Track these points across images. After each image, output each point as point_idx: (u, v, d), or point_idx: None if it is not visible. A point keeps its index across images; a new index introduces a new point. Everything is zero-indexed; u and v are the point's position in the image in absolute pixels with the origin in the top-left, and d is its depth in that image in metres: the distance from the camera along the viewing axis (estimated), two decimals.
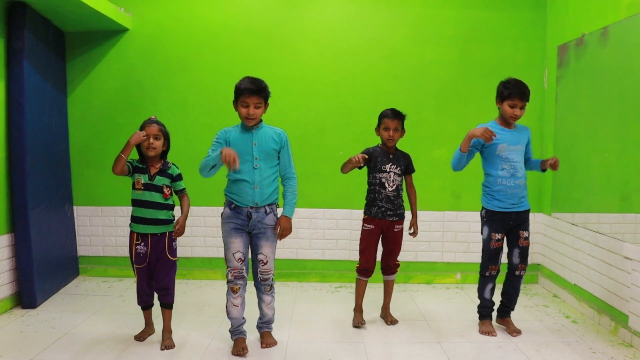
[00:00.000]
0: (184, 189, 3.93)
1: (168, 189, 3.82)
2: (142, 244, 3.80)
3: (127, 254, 5.36)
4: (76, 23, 5.08)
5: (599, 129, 4.41)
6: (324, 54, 5.39)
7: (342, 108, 5.35)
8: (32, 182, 4.62)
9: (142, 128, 3.77)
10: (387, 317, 4.43)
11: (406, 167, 4.32)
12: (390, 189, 4.21)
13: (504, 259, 4.14)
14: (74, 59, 5.41)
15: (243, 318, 3.82)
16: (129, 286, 5.25)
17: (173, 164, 3.89)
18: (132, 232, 3.85)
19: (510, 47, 5.37)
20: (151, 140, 3.73)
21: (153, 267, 3.86)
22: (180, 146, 5.31)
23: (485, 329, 4.16)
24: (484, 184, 4.13)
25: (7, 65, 4.51)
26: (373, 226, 4.25)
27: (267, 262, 3.76)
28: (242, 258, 3.71)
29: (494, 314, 4.28)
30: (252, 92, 3.60)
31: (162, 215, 3.81)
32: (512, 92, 3.93)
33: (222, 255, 5.38)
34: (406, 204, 4.35)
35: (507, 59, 5.36)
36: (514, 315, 4.26)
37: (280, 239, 3.79)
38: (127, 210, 5.41)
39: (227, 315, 3.78)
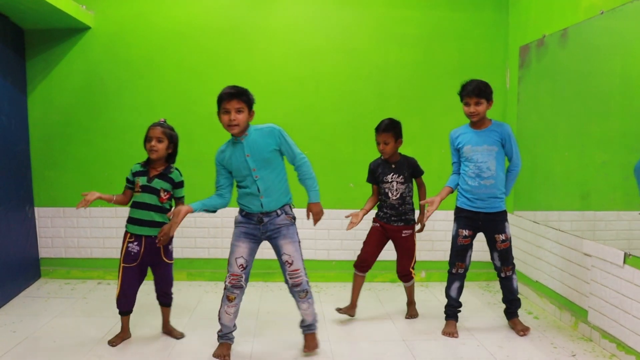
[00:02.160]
0: (183, 197, 3.90)
1: (166, 193, 3.80)
2: (136, 243, 3.79)
3: (91, 255, 5.47)
4: (36, 20, 4.99)
5: (559, 129, 4.49)
6: (288, 53, 5.39)
7: (306, 107, 5.36)
8: None
9: (146, 132, 3.79)
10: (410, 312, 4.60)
11: (412, 172, 4.40)
12: (394, 198, 4.33)
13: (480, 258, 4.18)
14: (34, 57, 5.31)
15: (234, 326, 3.73)
16: (92, 288, 5.19)
17: (177, 169, 3.87)
18: (126, 232, 3.83)
19: (473, 48, 5.44)
20: (153, 142, 3.74)
21: (145, 270, 3.88)
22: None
23: (447, 330, 4.17)
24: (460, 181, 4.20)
25: None
26: (378, 224, 4.42)
27: (292, 262, 3.60)
28: (244, 265, 3.60)
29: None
30: (231, 96, 3.42)
31: (157, 217, 3.81)
32: (461, 92, 4.06)
33: (186, 256, 5.46)
34: None
35: (469, 59, 5.42)
36: (481, 312, 4.30)
37: (315, 224, 3.73)
38: (90, 211, 5.41)
39: (219, 319, 3.68)
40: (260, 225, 3.60)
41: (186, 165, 5.20)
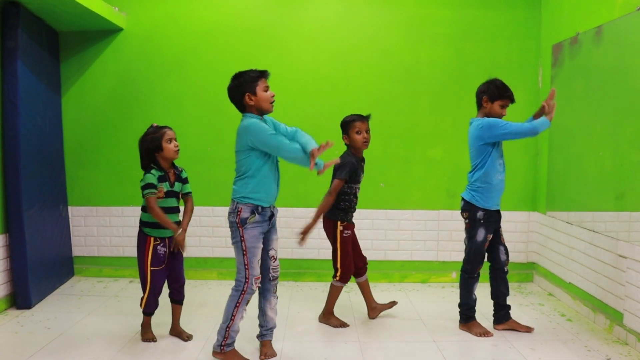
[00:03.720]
0: (191, 192, 3.96)
1: (179, 193, 3.90)
2: (162, 244, 3.82)
3: (123, 254, 5.53)
4: (70, 23, 5.06)
5: (593, 128, 4.42)
6: (319, 54, 5.39)
7: (338, 108, 5.29)
8: (27, 182, 4.60)
9: (161, 135, 3.75)
10: (385, 306, 4.49)
11: None
12: (357, 199, 4.29)
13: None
14: (68, 58, 5.39)
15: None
16: (124, 286, 5.25)
17: (182, 168, 3.96)
18: (147, 237, 3.82)
19: (505, 46, 5.38)
20: (176, 142, 3.80)
21: (170, 268, 3.90)
22: None
23: (482, 330, 4.12)
24: (480, 182, 4.01)
25: (0, 65, 4.49)
26: (350, 232, 4.26)
27: (276, 257, 3.66)
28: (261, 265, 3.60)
29: (480, 320, 4.24)
30: (268, 75, 3.48)
31: (176, 217, 3.89)
32: (504, 94, 3.96)
33: (217, 255, 5.48)
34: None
35: (501, 58, 5.36)
36: (512, 313, 4.24)
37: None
38: (122, 211, 5.49)
39: (232, 326, 3.51)
40: (270, 222, 3.58)
41: (216, 164, 5.27)
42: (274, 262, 3.64)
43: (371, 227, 5.40)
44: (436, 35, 5.38)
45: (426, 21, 5.38)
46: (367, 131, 4.14)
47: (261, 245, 3.52)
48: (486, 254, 4.14)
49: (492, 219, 4.04)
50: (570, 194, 4.81)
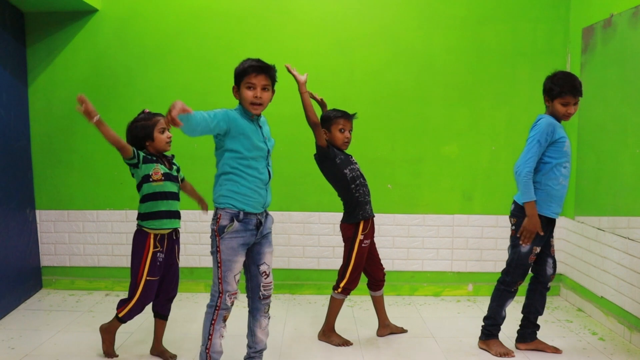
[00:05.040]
0: (184, 177, 4.04)
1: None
2: (160, 250, 3.79)
3: (98, 263, 5.51)
4: (37, 2, 5.01)
5: (629, 122, 4.37)
6: (318, 39, 5.31)
7: (339, 99, 5.18)
8: None
9: (153, 123, 3.78)
10: (397, 329, 4.48)
11: None
12: (367, 185, 4.23)
13: None
14: (35, 43, 5.33)
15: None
16: (99, 300, 5.20)
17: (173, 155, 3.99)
18: (148, 236, 3.76)
19: (529, 30, 5.31)
20: (169, 133, 3.81)
21: (162, 277, 3.86)
22: None
23: (503, 350, 4.04)
24: (540, 183, 3.84)
25: None
26: (369, 241, 4.21)
27: (269, 273, 3.52)
28: (238, 279, 3.46)
29: (501, 337, 4.17)
30: (260, 70, 3.28)
31: (178, 206, 3.87)
32: (563, 88, 3.78)
33: (205, 265, 5.39)
34: None
35: (525, 44, 5.30)
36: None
37: None
38: (97, 215, 5.45)
39: (210, 348, 3.39)
40: (257, 232, 3.41)
41: (204, 163, 5.16)
42: (265, 278, 3.50)
43: (377, 233, 5.25)
44: (451, 17, 5.31)
45: (439, 1, 5.29)
46: (350, 131, 4.14)
47: (241, 259, 3.40)
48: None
49: (543, 230, 3.89)
50: (601, 197, 4.79)
